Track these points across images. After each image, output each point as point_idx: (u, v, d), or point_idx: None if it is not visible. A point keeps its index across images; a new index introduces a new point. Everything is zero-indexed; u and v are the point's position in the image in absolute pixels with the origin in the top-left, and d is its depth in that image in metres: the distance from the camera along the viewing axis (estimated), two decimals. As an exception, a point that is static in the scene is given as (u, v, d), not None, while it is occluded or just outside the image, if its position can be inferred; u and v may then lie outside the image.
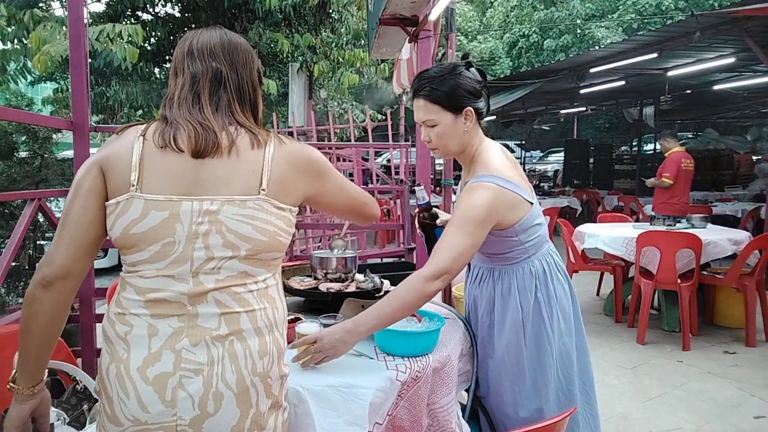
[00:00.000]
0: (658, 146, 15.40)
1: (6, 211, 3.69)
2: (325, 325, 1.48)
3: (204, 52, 1.12)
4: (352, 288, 1.81)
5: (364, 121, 7.88)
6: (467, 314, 1.81)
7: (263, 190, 1.07)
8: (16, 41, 6.36)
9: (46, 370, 1.12)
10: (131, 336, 1.03)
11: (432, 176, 4.48)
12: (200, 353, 1.03)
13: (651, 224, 4.79)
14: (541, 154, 22.32)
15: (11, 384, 1.08)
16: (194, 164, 1.05)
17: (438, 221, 1.79)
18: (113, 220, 1.04)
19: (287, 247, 1.16)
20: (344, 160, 7.26)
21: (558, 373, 1.60)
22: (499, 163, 1.55)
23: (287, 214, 1.12)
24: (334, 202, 1.25)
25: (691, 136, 18.48)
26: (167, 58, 8.88)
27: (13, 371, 1.09)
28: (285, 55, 8.15)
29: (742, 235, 4.22)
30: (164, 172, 1.04)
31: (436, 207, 1.87)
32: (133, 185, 1.02)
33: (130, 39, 5.96)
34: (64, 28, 5.91)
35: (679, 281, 3.92)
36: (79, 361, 2.50)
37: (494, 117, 14.09)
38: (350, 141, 7.99)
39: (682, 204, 5.80)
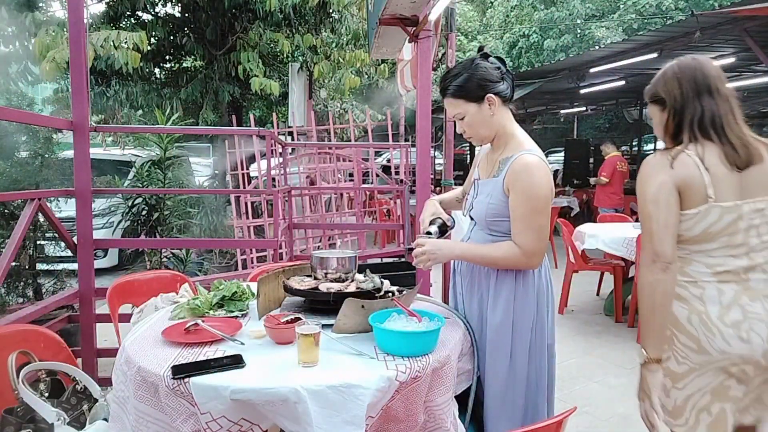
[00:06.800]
0: (659, 146, 15.52)
1: (6, 211, 3.67)
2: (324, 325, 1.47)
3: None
4: (352, 288, 1.81)
5: (364, 121, 7.90)
6: (461, 287, 1.86)
7: None
8: (17, 44, 6.37)
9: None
10: (705, 296, 1.46)
11: (432, 176, 4.48)
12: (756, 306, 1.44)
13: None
14: (541, 154, 22.28)
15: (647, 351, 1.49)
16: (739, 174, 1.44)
17: (447, 222, 1.85)
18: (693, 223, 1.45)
19: None
20: (344, 160, 7.27)
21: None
22: (531, 141, 1.71)
23: None
24: None
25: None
26: (167, 58, 8.88)
27: None
28: (285, 56, 8.15)
29: (743, 235, 4.21)
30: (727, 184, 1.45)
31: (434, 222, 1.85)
32: (710, 198, 1.42)
33: (135, 47, 5.99)
34: (65, 32, 5.92)
35: (679, 281, 3.91)
36: (79, 361, 2.50)
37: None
38: (350, 141, 8.00)
39: (617, 198, 7.50)
